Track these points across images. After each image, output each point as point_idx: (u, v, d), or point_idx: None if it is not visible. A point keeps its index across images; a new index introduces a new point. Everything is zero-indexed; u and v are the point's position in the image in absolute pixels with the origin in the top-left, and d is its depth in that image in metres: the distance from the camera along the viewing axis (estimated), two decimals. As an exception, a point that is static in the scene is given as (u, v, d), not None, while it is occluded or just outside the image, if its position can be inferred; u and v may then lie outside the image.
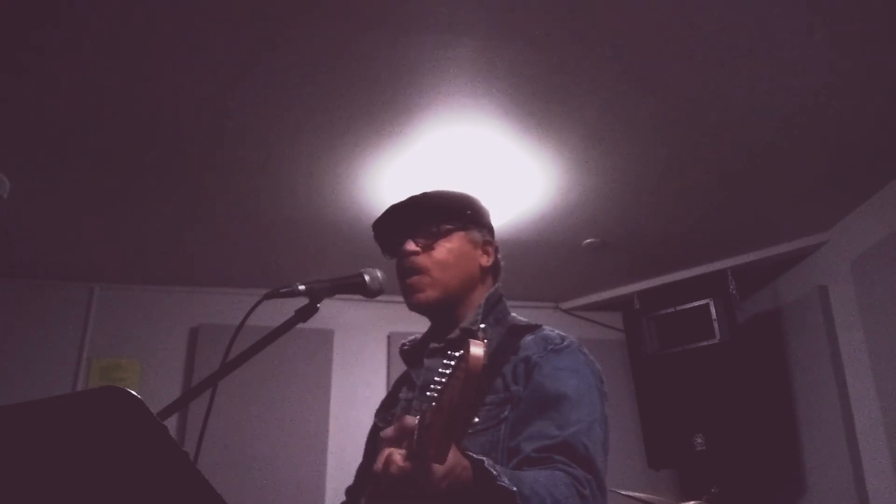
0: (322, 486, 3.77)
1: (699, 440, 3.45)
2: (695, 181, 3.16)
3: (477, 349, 0.83)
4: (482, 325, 1.27)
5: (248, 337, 1.29)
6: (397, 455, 0.93)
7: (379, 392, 3.95)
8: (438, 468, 0.90)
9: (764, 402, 3.63)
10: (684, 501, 2.97)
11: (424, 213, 1.48)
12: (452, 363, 0.87)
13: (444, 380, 0.89)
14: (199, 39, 2.31)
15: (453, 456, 0.94)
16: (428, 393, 0.91)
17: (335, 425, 3.91)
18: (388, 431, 0.97)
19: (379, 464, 0.96)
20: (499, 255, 1.55)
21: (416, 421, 0.94)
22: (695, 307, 3.67)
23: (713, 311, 3.61)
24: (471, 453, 1.00)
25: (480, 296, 1.48)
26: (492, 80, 2.51)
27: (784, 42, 2.34)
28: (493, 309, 1.47)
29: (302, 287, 1.36)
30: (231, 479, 3.47)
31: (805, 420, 3.66)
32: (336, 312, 4.00)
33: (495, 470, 1.01)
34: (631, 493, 2.78)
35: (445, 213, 1.49)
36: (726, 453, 3.46)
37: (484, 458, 1.01)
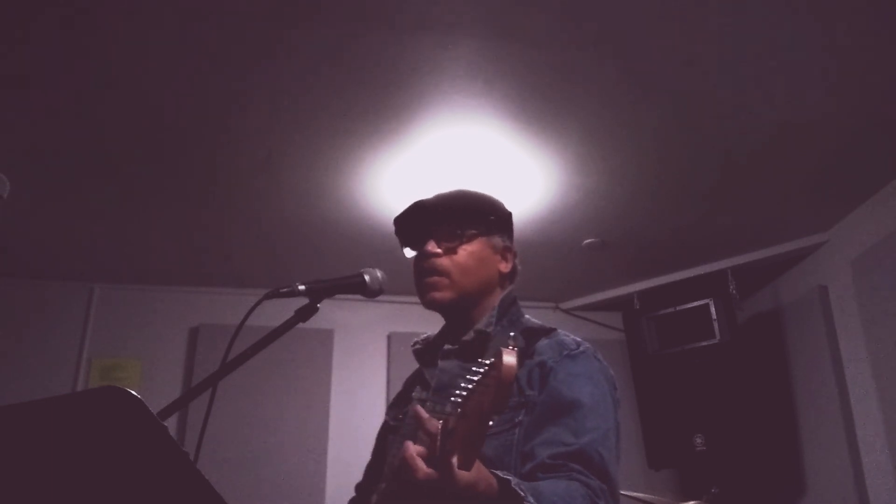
0: (322, 486, 3.77)
1: (699, 440, 3.45)
2: (695, 181, 3.16)
3: (510, 358, 0.82)
4: (511, 333, 1.26)
5: (248, 337, 1.29)
6: (420, 460, 0.93)
7: (379, 392, 3.95)
8: (464, 475, 0.90)
9: (764, 402, 3.63)
10: (684, 501, 2.97)
11: (449, 214, 1.47)
12: (481, 370, 0.86)
13: (470, 386, 0.88)
14: (199, 40, 2.31)
15: (478, 468, 0.94)
16: (452, 399, 0.91)
17: (335, 425, 3.91)
18: (417, 411, 0.96)
19: (402, 463, 0.96)
20: (517, 261, 1.54)
21: (440, 426, 0.93)
22: (695, 307, 3.67)
23: (713, 311, 3.61)
24: (498, 472, 1.01)
25: (496, 299, 1.48)
26: (492, 80, 2.51)
27: (784, 42, 2.34)
28: (508, 311, 1.47)
29: (302, 287, 1.36)
30: (231, 479, 3.47)
31: (805, 420, 3.66)
32: (336, 312, 4.00)
33: (521, 490, 1.01)
34: (631, 493, 2.78)
35: (470, 216, 1.48)
36: (726, 453, 3.46)
37: (511, 478, 1.02)
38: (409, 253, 1.52)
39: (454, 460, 0.89)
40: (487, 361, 0.86)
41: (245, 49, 2.36)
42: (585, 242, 3.66)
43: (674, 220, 3.49)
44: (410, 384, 1.57)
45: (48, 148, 2.84)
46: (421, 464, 0.93)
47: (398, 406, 1.55)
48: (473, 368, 0.88)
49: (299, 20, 2.23)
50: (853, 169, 3.07)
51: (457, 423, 0.89)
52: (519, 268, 1.55)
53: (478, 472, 0.94)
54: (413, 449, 0.96)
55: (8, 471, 0.83)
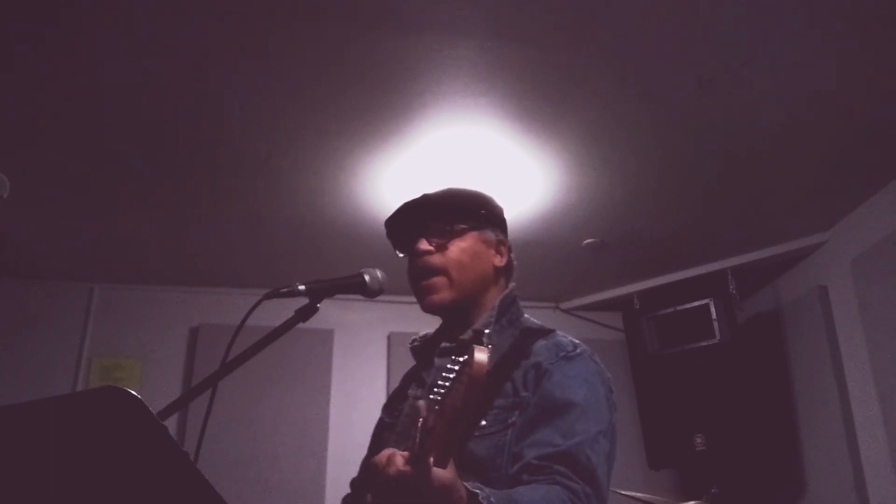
0: (322, 486, 3.77)
1: (699, 440, 3.45)
2: (695, 181, 3.16)
3: (481, 355, 0.83)
4: (486, 331, 1.26)
5: (248, 337, 1.29)
6: (399, 457, 0.93)
7: (379, 392, 3.95)
8: (439, 474, 0.90)
9: (764, 402, 3.63)
10: (684, 501, 2.97)
11: (437, 212, 1.47)
12: (456, 367, 0.87)
13: (447, 384, 0.89)
14: (199, 39, 2.31)
15: (454, 477, 0.94)
16: (431, 396, 0.91)
17: (335, 425, 3.91)
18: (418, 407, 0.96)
19: (381, 460, 0.96)
20: (512, 255, 1.53)
21: (419, 424, 0.94)
22: (695, 307, 3.67)
23: (713, 311, 3.61)
24: (467, 484, 1.00)
25: (494, 297, 1.47)
26: (492, 80, 2.51)
27: (784, 43, 2.34)
28: (507, 311, 1.46)
29: (302, 287, 1.36)
30: (231, 479, 3.47)
31: (805, 420, 3.66)
32: (336, 312, 4.00)
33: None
34: (631, 493, 2.78)
35: (459, 212, 1.47)
36: (726, 453, 3.46)
37: (479, 491, 1.02)
38: (401, 254, 1.52)
39: (431, 458, 0.89)
40: (461, 358, 0.86)
41: (245, 49, 2.36)
42: (585, 242, 3.66)
43: (674, 220, 3.49)
44: (407, 382, 1.57)
45: (48, 148, 2.84)
46: (399, 461, 0.93)
47: (394, 403, 1.54)
48: (448, 366, 0.89)
49: (299, 20, 2.23)
50: (853, 169, 3.07)
51: (435, 420, 0.89)
52: (515, 262, 1.54)
53: (455, 479, 0.94)
54: (390, 450, 0.96)
55: (8, 471, 0.83)
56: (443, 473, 0.91)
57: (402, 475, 0.91)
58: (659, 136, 2.84)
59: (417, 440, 0.92)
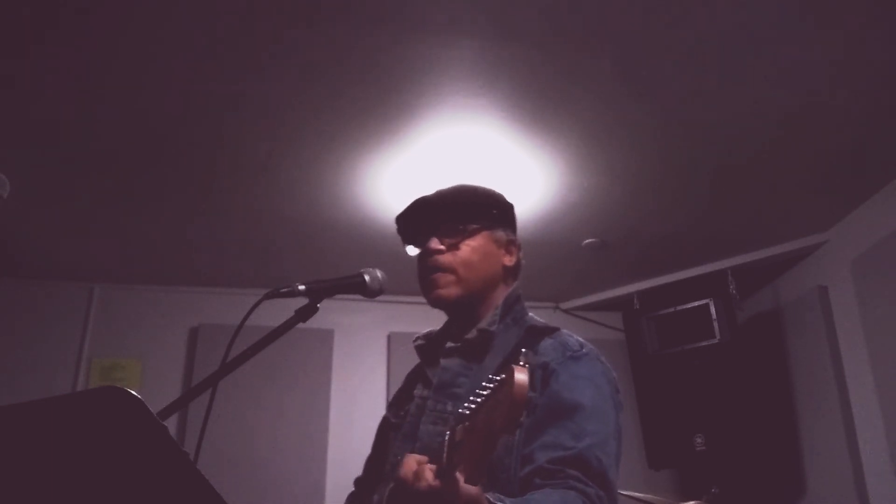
0: (322, 486, 3.77)
1: (699, 440, 3.45)
2: (695, 181, 3.16)
3: (522, 376, 0.81)
4: (524, 350, 1.27)
5: (248, 337, 1.29)
6: (428, 471, 0.93)
7: (379, 392, 3.95)
8: (469, 490, 0.90)
9: (764, 402, 3.63)
10: (684, 501, 2.97)
11: (451, 210, 1.47)
12: (492, 385, 0.86)
13: (479, 400, 0.88)
14: (199, 39, 2.31)
15: (480, 492, 0.94)
16: (460, 410, 0.91)
17: (335, 425, 3.91)
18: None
19: (408, 474, 0.95)
20: (521, 254, 1.54)
21: (447, 437, 0.93)
22: (695, 307, 3.67)
23: (713, 311, 3.61)
24: (488, 495, 1.00)
25: (500, 295, 1.47)
26: (492, 80, 2.51)
27: (783, 42, 2.34)
28: (511, 309, 1.46)
29: (302, 287, 1.36)
30: (231, 480, 3.46)
31: (805, 420, 3.66)
32: (336, 312, 3.99)
33: None
34: (631, 493, 2.77)
35: (472, 211, 1.47)
36: (726, 453, 3.46)
37: (499, 503, 1.01)
38: (412, 251, 1.51)
39: (459, 473, 0.89)
40: (498, 378, 0.85)
41: (245, 49, 2.36)
42: (585, 242, 3.66)
43: (674, 220, 3.49)
44: (412, 381, 1.56)
45: (48, 148, 2.84)
46: (427, 475, 0.93)
47: (399, 403, 1.53)
48: (484, 384, 0.88)
49: (299, 20, 2.23)
50: (853, 169, 3.07)
51: (464, 436, 0.89)
52: (523, 261, 1.54)
53: (480, 494, 0.94)
54: (415, 459, 0.96)
55: (8, 471, 0.83)
56: (470, 488, 0.91)
57: (433, 490, 0.91)
58: (659, 136, 2.84)
59: (445, 454, 0.92)
